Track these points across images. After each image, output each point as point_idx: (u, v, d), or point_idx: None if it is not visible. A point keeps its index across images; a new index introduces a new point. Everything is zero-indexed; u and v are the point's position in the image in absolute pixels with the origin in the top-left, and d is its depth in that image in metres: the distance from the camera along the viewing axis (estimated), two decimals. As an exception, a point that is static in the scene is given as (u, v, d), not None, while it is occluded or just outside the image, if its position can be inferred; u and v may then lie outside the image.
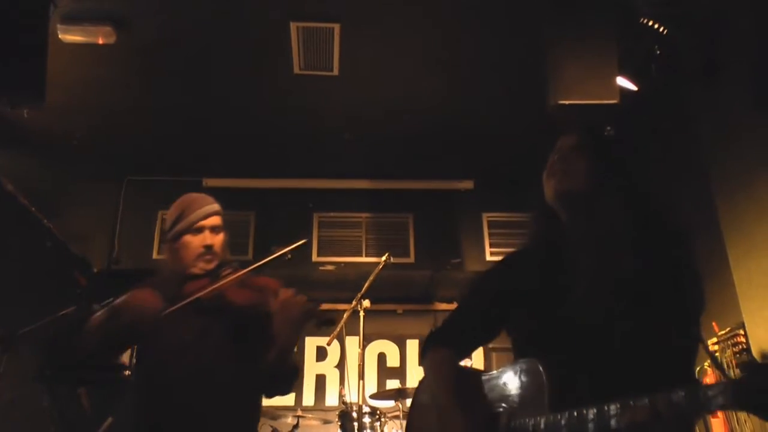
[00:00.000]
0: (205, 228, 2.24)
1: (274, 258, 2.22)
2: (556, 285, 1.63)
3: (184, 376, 2.06)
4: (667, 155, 5.38)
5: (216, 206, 2.30)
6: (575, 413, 1.38)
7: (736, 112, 4.37)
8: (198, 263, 2.21)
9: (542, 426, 1.48)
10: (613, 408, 1.30)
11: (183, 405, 2.03)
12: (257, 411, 2.27)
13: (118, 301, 2.07)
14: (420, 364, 1.98)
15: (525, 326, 1.75)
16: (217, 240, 2.25)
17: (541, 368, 1.53)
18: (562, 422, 1.42)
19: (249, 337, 2.18)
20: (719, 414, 4.61)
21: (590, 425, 1.34)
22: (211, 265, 2.23)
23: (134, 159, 6.09)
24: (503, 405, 1.66)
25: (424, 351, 1.96)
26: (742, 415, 4.34)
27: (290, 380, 2.29)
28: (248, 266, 2.22)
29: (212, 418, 2.04)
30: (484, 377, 1.81)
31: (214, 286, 2.13)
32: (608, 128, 5.38)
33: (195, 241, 2.22)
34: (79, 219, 6.03)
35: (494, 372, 1.77)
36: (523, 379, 1.60)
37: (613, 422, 1.29)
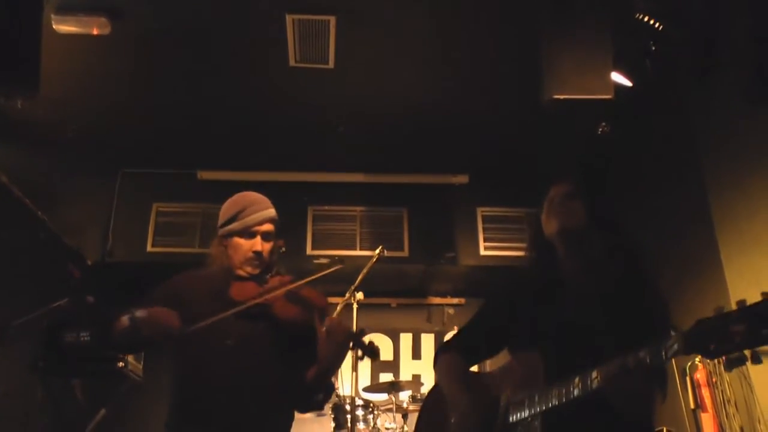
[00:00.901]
0: (258, 233, 2.24)
1: (324, 274, 2.27)
2: (553, 304, 1.98)
3: (223, 380, 2.07)
4: (660, 151, 5.40)
5: (273, 212, 2.32)
6: (563, 383, 1.73)
7: (730, 109, 4.39)
8: (245, 267, 2.22)
9: (536, 399, 1.80)
10: (593, 373, 1.65)
11: (219, 409, 2.04)
12: (290, 423, 2.27)
13: (139, 313, 2.06)
14: (434, 368, 2.26)
15: (524, 338, 2.04)
16: (267, 247, 2.25)
17: (538, 356, 1.89)
18: (553, 392, 1.75)
19: (290, 349, 2.19)
20: (709, 409, 4.66)
21: (575, 390, 1.69)
22: (258, 271, 2.24)
23: (129, 152, 6.07)
24: (504, 389, 1.97)
25: (437, 355, 2.27)
26: (731, 409, 4.38)
27: (327, 398, 2.30)
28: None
29: (246, 424, 2.06)
30: (487, 373, 2.14)
31: (265, 297, 2.14)
32: (603, 125, 5.42)
33: (246, 245, 2.22)
34: (74, 211, 6.01)
35: (495, 369, 2.12)
36: (522, 367, 1.95)
37: (594, 384, 1.64)
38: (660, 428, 5.25)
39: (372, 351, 2.19)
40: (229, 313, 2.06)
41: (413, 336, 6.87)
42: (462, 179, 6.49)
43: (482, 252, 6.29)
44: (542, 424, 1.79)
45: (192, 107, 5.46)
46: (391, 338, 6.84)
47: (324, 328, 2.11)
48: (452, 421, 2.06)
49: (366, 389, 5.58)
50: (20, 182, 4.74)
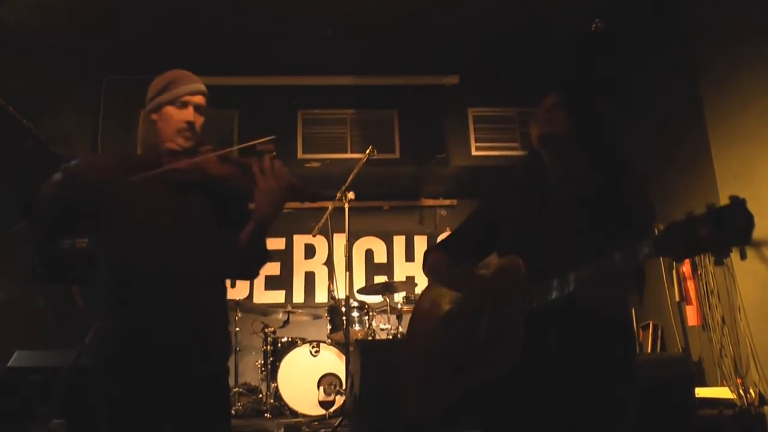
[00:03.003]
0: (190, 104, 2.15)
1: (250, 145, 2.11)
2: (538, 207, 2.05)
3: (157, 258, 1.99)
4: (654, 47, 5.30)
5: (203, 86, 2.21)
6: (543, 284, 1.82)
7: (724, 3, 4.30)
8: (177, 138, 2.12)
9: (518, 304, 1.87)
10: (571, 275, 1.75)
11: (153, 287, 1.98)
12: (225, 292, 2.21)
13: (71, 164, 1.99)
14: (423, 269, 2.31)
15: (509, 242, 2.10)
16: (199, 120, 2.17)
17: (520, 259, 1.93)
18: (533, 293, 1.84)
19: (226, 214, 2.13)
20: (693, 301, 4.81)
21: (554, 292, 1.79)
22: (190, 143, 2.14)
23: (113, 57, 5.91)
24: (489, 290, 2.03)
25: (426, 257, 2.33)
26: (714, 300, 4.52)
27: (260, 262, 2.21)
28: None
29: (181, 302, 1.99)
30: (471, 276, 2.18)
31: (195, 159, 2.05)
32: (596, 21, 5.29)
33: (178, 115, 2.13)
34: (60, 120, 5.90)
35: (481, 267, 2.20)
36: (506, 269, 2.00)
37: (571, 286, 1.74)
38: (646, 322, 5.44)
39: (312, 194, 2.10)
40: (153, 173, 1.97)
41: (406, 238, 6.97)
42: (452, 80, 6.39)
43: (474, 152, 6.27)
44: (525, 321, 1.85)
45: (177, 10, 5.27)
46: (384, 241, 6.95)
47: (258, 177, 2.01)
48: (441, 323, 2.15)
49: (360, 291, 5.71)
50: (1, 91, 4.63)
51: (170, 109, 2.14)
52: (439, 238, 6.66)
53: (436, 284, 2.32)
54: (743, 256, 1.44)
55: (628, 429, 1.86)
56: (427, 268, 2.31)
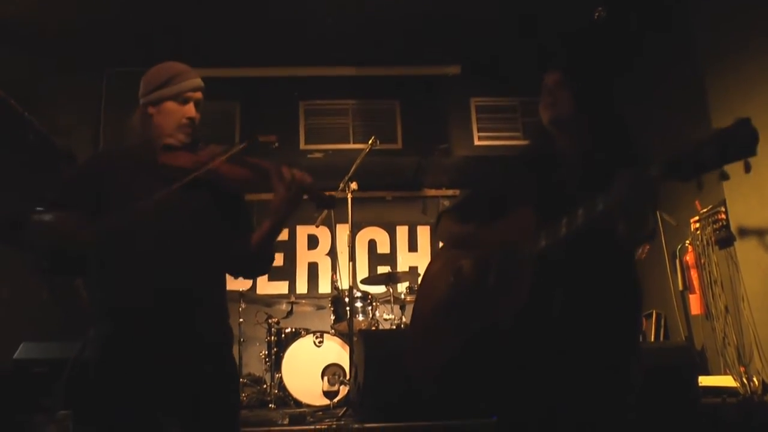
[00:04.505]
0: (192, 100, 2.15)
1: (241, 149, 2.08)
2: (549, 183, 2.06)
3: (157, 254, 1.98)
4: (659, 36, 5.28)
5: (202, 83, 2.21)
6: (552, 224, 1.85)
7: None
8: (177, 134, 2.11)
9: (525, 247, 1.92)
10: (580, 210, 1.77)
11: (154, 271, 1.96)
12: (225, 286, 2.21)
13: (45, 218, 1.96)
14: (435, 234, 2.29)
15: (519, 205, 2.10)
16: (198, 117, 2.17)
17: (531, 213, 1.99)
18: (542, 233, 1.88)
19: (228, 211, 2.14)
20: (696, 290, 4.81)
21: (563, 229, 1.82)
22: (189, 139, 2.14)
23: (113, 50, 5.90)
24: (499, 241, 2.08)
25: (438, 220, 2.38)
26: (717, 289, 4.52)
27: (271, 261, 2.24)
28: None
29: (182, 285, 1.99)
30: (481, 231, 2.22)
31: (209, 163, 2.02)
32: (599, 9, 5.27)
33: (179, 111, 2.12)
34: (61, 113, 5.90)
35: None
36: (515, 218, 2.06)
37: (579, 221, 1.78)
38: (649, 311, 5.44)
39: (329, 200, 2.11)
40: (177, 185, 1.95)
41: (409, 228, 6.97)
42: (454, 70, 6.37)
43: (476, 142, 6.26)
44: (532, 271, 1.89)
45: (176, 2, 5.25)
46: (387, 231, 6.95)
47: (277, 182, 2.02)
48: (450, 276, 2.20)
49: (364, 281, 5.71)
50: (1, 83, 4.63)
51: (171, 105, 2.13)
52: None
53: (448, 247, 2.36)
54: (747, 169, 1.50)
55: (630, 400, 1.89)
56: (438, 232, 2.38)
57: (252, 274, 2.36)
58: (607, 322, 1.90)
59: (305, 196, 2.06)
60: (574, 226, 1.79)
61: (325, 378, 4.67)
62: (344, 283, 5.13)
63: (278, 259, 6.69)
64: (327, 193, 2.10)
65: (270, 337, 5.31)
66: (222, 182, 2.08)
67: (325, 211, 4.38)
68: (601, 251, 1.89)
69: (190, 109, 2.14)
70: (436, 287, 2.29)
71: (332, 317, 5.41)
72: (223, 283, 2.20)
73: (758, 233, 4.11)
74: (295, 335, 5.22)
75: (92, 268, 2.04)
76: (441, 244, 2.46)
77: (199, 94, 2.18)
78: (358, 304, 5.25)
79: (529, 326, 1.89)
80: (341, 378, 4.74)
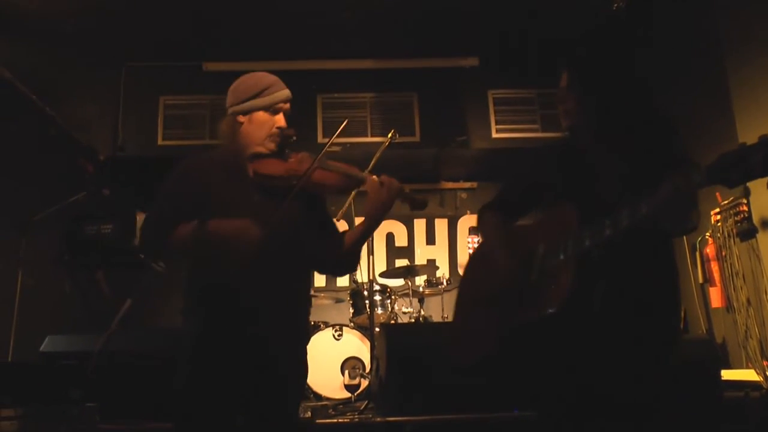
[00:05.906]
0: (282, 111, 2.24)
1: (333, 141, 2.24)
2: (583, 164, 2.07)
3: (250, 260, 2.07)
4: (681, 29, 5.22)
5: (291, 94, 2.30)
6: (596, 226, 1.85)
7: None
8: (268, 143, 2.21)
9: (570, 244, 1.93)
10: (624, 211, 1.78)
11: (245, 289, 2.07)
12: (311, 285, 2.39)
13: (212, 224, 2.06)
14: (477, 226, 2.41)
15: (559, 193, 2.11)
16: (286, 126, 2.27)
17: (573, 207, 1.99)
18: (586, 233, 1.88)
19: (315, 214, 2.29)
20: (717, 283, 4.77)
21: (607, 231, 1.82)
22: (278, 148, 2.23)
23: (132, 45, 5.93)
24: (542, 239, 2.09)
25: (479, 217, 2.40)
26: (739, 281, 4.48)
27: (358, 260, 2.43)
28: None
29: (271, 304, 2.11)
30: (527, 226, 2.26)
31: (315, 167, 2.13)
32: (618, 2, 5.21)
33: (270, 121, 2.21)
34: (80, 108, 5.97)
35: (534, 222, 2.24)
36: (558, 218, 2.06)
37: (624, 223, 1.78)
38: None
39: (422, 202, 2.30)
40: (289, 200, 2.06)
41: (427, 221, 6.97)
42: (472, 62, 6.34)
43: (494, 135, 6.24)
44: (575, 266, 1.91)
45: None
46: (405, 224, 6.95)
47: (372, 186, 2.18)
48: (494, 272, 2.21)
49: (382, 274, 5.72)
50: (22, 78, 4.67)
51: (263, 115, 2.22)
52: (460, 221, 6.71)
53: (489, 242, 2.39)
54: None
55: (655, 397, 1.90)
56: (480, 227, 2.41)
57: (342, 272, 2.53)
58: (649, 313, 1.91)
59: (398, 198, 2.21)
60: (619, 228, 1.80)
61: (346, 371, 4.69)
62: (363, 276, 5.13)
63: (296, 253, 6.71)
64: (419, 197, 2.29)
65: (289, 330, 5.32)
66: (317, 189, 2.22)
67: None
68: (642, 244, 1.89)
69: (281, 119, 2.24)
70: (480, 281, 2.33)
71: (351, 310, 5.42)
72: (312, 280, 2.35)
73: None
74: (315, 328, 5.24)
75: (195, 265, 2.18)
76: (481, 239, 2.49)
77: (288, 106, 2.27)
78: (377, 298, 5.25)
79: (571, 320, 1.89)
80: (361, 371, 4.75)
